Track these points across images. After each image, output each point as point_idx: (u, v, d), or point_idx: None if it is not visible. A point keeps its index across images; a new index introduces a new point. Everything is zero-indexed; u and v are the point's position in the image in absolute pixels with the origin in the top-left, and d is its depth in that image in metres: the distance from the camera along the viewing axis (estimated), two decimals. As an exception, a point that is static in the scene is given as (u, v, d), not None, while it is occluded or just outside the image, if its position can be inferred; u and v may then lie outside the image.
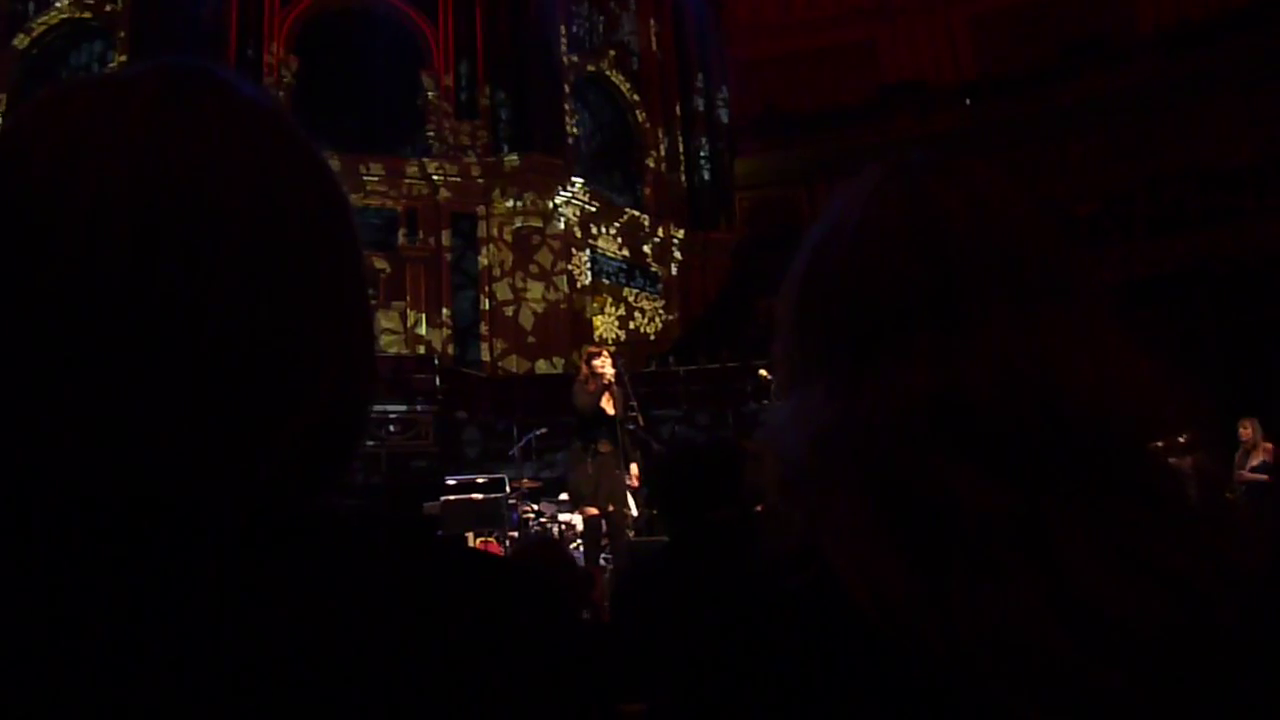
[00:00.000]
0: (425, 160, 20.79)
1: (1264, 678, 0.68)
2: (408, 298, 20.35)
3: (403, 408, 15.58)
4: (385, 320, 19.78)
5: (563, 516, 10.08)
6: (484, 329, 20.92)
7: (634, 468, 8.18)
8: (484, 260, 21.13)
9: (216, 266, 0.59)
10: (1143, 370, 0.76)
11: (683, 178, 25.54)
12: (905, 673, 0.68)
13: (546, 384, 17.25)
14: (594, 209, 22.60)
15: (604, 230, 23.02)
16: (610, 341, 21.37)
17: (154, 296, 0.58)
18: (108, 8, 19.79)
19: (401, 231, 20.51)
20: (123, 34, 19.48)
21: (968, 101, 25.05)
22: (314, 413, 0.63)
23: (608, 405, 8.08)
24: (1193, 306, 15.04)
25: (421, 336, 20.23)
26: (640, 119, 24.79)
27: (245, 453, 0.60)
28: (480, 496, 9.92)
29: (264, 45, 20.01)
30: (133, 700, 0.54)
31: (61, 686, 0.53)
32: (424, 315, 20.41)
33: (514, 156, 21.03)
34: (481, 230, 21.24)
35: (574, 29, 23.45)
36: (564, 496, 10.24)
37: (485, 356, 20.65)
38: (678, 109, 25.70)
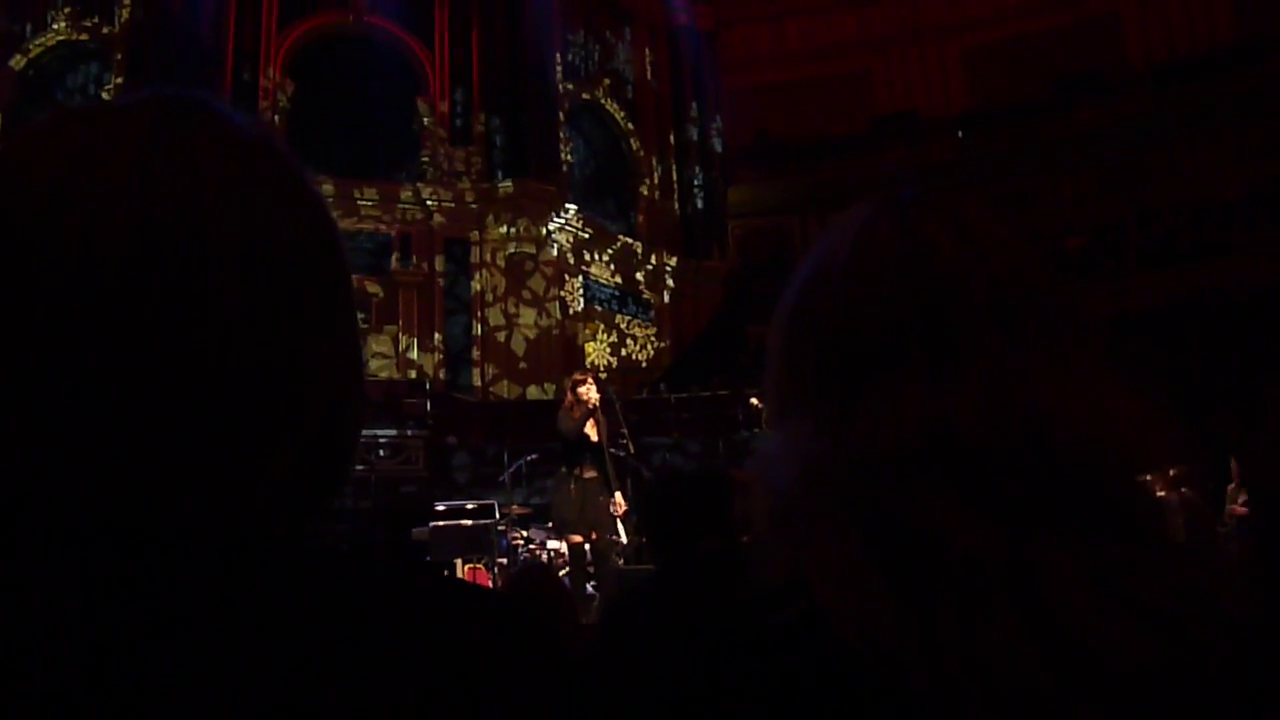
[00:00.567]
0: (419, 185, 20.85)
1: (1247, 715, 0.68)
2: (400, 322, 20.36)
3: (393, 432, 15.53)
4: (377, 344, 19.77)
5: (551, 544, 10.03)
6: (476, 354, 20.91)
7: (618, 495, 8.14)
8: (477, 285, 21.16)
9: (208, 293, 0.60)
10: (1132, 405, 0.77)
11: (676, 206, 25.63)
12: (891, 708, 0.68)
13: (538, 410, 17.20)
14: (587, 236, 22.66)
15: (597, 257, 23.07)
16: (602, 368, 21.37)
17: (146, 322, 0.58)
18: (104, 30, 19.86)
19: (395, 256, 20.54)
20: (119, 56, 19.55)
21: (960, 133, 25.20)
22: (304, 437, 0.63)
23: (592, 431, 8.05)
24: (1184, 339, 15.10)
25: (413, 361, 20.22)
26: (634, 147, 24.91)
27: (235, 478, 0.60)
28: (469, 522, 9.87)
29: (260, 69, 20.07)
30: None
31: (39, 709, 0.53)
32: (416, 340, 20.41)
33: (508, 183, 21.10)
34: (475, 256, 21.28)
35: (569, 57, 23.58)
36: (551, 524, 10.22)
37: (477, 381, 20.64)
38: (671, 137, 25.83)
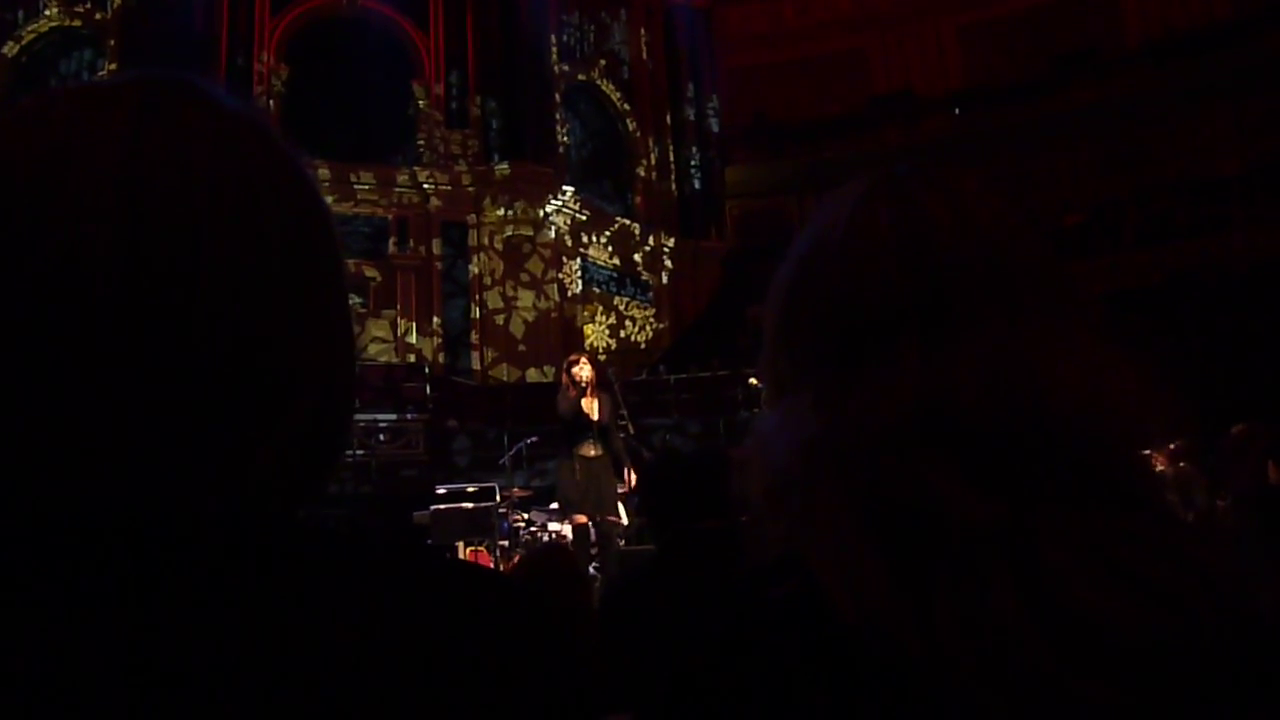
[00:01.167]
0: (416, 169, 20.81)
1: (1243, 687, 0.68)
2: (398, 306, 20.35)
3: (393, 416, 15.56)
4: (375, 329, 19.77)
5: (553, 526, 10.05)
6: (474, 337, 20.92)
7: (626, 473, 8.12)
8: (475, 269, 21.14)
9: (198, 276, 0.59)
10: (1129, 379, 0.77)
11: (673, 186, 25.60)
12: (888, 681, 0.68)
13: (537, 392, 17.21)
14: (585, 218, 22.63)
15: (595, 239, 23.05)
16: (600, 350, 21.37)
17: (135, 306, 0.57)
18: (97, 16, 19.78)
19: (392, 240, 20.52)
20: (113, 42, 19.48)
21: (957, 111, 25.14)
22: (296, 420, 0.63)
23: (592, 410, 8.02)
24: (1181, 316, 15.10)
25: (412, 345, 20.23)
26: (631, 128, 24.84)
27: (228, 463, 0.60)
28: (471, 505, 9.89)
29: (254, 54, 20.01)
30: (117, 716, 0.53)
31: (41, 705, 0.53)
32: (414, 324, 20.41)
33: (505, 165, 21.06)
34: (472, 239, 21.26)
35: (564, 38, 23.50)
36: (554, 505, 10.23)
37: (476, 365, 20.65)
38: (668, 118, 25.77)
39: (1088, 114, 22.96)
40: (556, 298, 21.53)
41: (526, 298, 21.03)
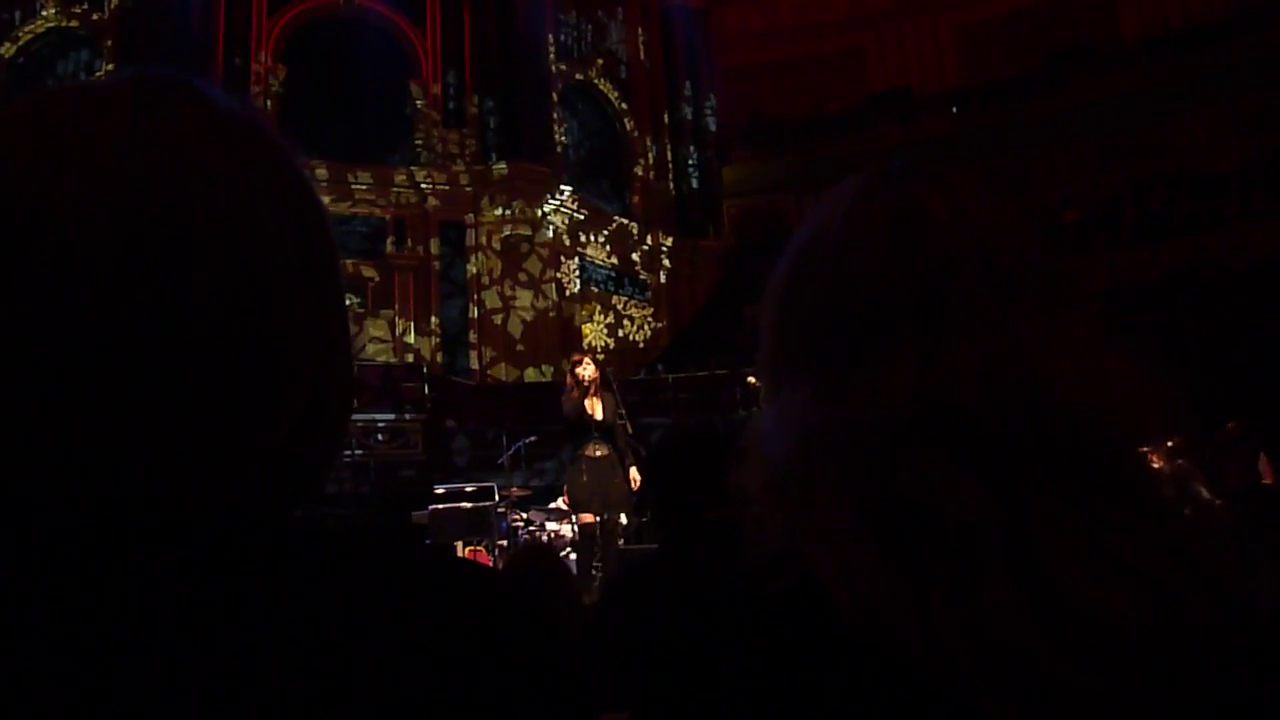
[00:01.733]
0: (413, 169, 20.77)
1: (1240, 680, 0.69)
2: (396, 306, 20.32)
3: (391, 416, 15.54)
4: (373, 329, 19.75)
5: (551, 525, 10.05)
6: (473, 337, 20.88)
7: (634, 470, 8.10)
8: (472, 268, 21.11)
9: (194, 274, 0.59)
10: (1126, 374, 0.77)
11: (671, 186, 25.57)
12: (885, 676, 0.68)
13: (535, 392, 17.22)
14: (582, 217, 22.60)
15: (592, 238, 23.03)
16: (599, 349, 21.36)
17: (131, 304, 0.57)
18: (94, 16, 19.73)
19: (390, 240, 20.48)
20: (109, 43, 19.43)
21: (954, 109, 25.12)
22: (291, 418, 0.63)
23: (595, 409, 8.02)
24: (1180, 312, 15.10)
25: (410, 345, 20.20)
26: (628, 127, 24.82)
27: (224, 461, 0.60)
28: (469, 505, 9.89)
29: (251, 54, 19.97)
30: (110, 713, 0.53)
31: (34, 701, 0.53)
32: (412, 324, 20.38)
33: (502, 165, 21.03)
34: (470, 238, 21.23)
35: (562, 38, 23.47)
36: (553, 505, 10.22)
37: (474, 365, 20.62)
38: (666, 117, 25.73)
39: (1085, 111, 22.95)
40: (555, 297, 21.50)
41: (524, 297, 21.01)
